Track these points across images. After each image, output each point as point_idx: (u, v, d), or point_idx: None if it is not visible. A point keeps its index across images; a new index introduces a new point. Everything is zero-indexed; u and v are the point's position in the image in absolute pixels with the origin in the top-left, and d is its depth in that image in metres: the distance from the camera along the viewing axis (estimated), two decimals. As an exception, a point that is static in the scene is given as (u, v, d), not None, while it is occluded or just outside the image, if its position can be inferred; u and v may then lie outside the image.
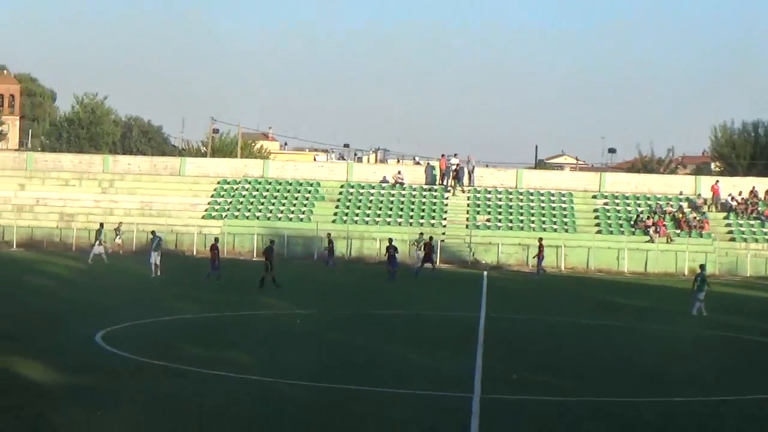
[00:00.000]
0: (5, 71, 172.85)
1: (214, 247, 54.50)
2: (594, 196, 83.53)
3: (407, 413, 22.29)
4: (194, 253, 74.00)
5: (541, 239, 67.31)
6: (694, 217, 79.14)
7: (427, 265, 62.36)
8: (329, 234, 70.75)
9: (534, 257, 67.29)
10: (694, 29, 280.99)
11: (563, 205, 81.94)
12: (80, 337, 31.93)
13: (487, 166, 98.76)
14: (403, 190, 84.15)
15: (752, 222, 79.85)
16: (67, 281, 51.36)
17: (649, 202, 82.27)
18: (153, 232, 59.83)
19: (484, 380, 26.58)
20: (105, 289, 48.14)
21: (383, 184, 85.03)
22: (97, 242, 64.88)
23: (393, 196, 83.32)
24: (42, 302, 40.93)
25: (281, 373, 26.72)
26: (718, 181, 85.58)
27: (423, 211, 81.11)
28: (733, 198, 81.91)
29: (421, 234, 69.35)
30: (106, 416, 20.88)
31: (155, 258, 55.77)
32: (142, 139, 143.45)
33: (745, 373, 30.66)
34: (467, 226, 78.76)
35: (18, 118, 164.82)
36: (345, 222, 78.76)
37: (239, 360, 28.91)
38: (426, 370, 28.50)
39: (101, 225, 67.70)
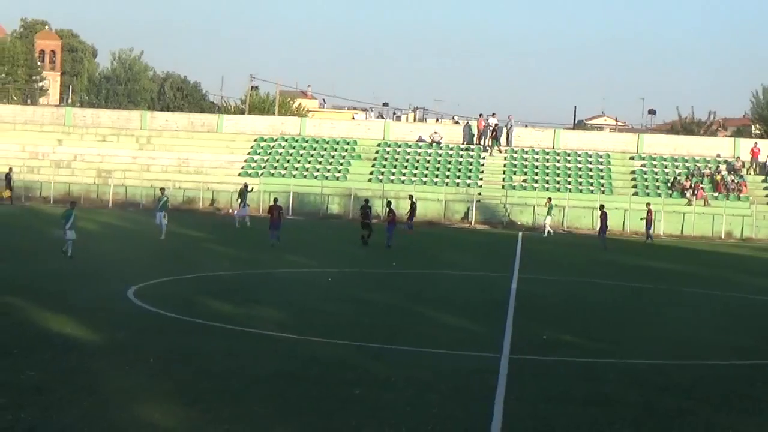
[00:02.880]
0: (47, 27, 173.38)
1: (274, 208, 52.01)
2: (632, 158, 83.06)
3: (433, 373, 22.23)
4: (230, 211, 74.09)
5: (648, 204, 66.71)
6: (732, 180, 78.54)
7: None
8: (411, 196, 67.88)
9: (641, 219, 66.34)
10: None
11: (600, 167, 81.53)
12: (112, 293, 32.05)
13: (525, 126, 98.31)
14: (440, 149, 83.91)
15: (791, 185, 79.20)
16: (102, 237, 51.55)
17: (687, 165, 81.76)
18: (162, 189, 57.37)
19: (513, 341, 26.49)
20: (138, 246, 48.30)
21: (420, 143, 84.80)
22: (241, 204, 63.51)
23: (429, 155, 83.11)
24: (75, 257, 41.08)
25: (309, 330, 26.71)
26: (756, 143, 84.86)
27: (459, 170, 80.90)
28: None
29: (411, 196, 67.81)
30: (134, 371, 20.95)
31: (161, 218, 52.74)
32: (177, 95, 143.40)
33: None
34: (503, 187, 78.51)
35: (59, 74, 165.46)
36: (381, 181, 78.67)
37: (268, 317, 28.94)
38: (454, 330, 28.44)
39: (245, 185, 65.89)
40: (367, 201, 56.80)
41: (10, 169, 75.38)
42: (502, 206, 75.62)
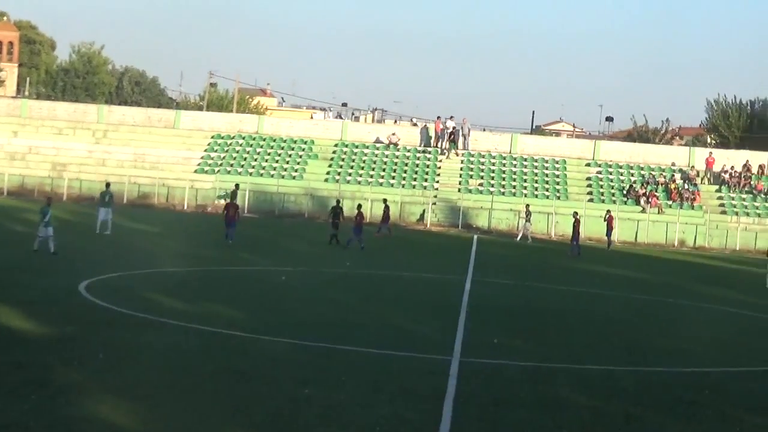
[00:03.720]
0: (5, 18, 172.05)
1: (230, 206, 51.46)
2: (588, 164, 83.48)
3: (384, 373, 22.24)
4: (185, 208, 73.87)
5: (609, 211, 67.12)
6: (687, 189, 79.10)
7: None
8: (385, 200, 66.17)
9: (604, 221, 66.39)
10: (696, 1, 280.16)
11: (556, 172, 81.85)
12: (63, 287, 31.86)
13: (483, 130, 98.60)
14: (397, 150, 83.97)
15: (744, 195, 79.87)
16: (55, 231, 51.21)
17: (642, 172, 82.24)
18: (107, 184, 55.01)
19: (464, 343, 26.51)
20: (91, 241, 48.04)
21: (377, 144, 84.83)
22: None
23: (387, 156, 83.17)
24: (26, 252, 40.82)
25: (260, 328, 26.66)
26: (711, 153, 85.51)
27: (416, 172, 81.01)
28: (726, 171, 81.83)
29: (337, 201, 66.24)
30: (82, 365, 20.82)
31: (105, 214, 51.40)
32: (135, 89, 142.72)
33: (730, 347, 30.63)
34: (459, 190, 78.65)
35: (16, 65, 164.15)
36: (337, 181, 78.64)
37: (219, 314, 28.86)
38: (406, 331, 28.45)
39: (237, 186, 65.45)
40: (338, 202, 57.21)
41: None
42: (457, 209, 75.74)
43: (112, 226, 51.38)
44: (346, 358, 23.85)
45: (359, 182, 78.96)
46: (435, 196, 77.12)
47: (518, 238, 66.61)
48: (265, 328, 26.93)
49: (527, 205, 68.72)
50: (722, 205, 78.87)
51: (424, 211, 75.19)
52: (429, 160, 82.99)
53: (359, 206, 56.04)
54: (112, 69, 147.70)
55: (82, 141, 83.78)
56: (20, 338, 23.34)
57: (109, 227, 50.98)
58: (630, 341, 29.90)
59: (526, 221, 67.49)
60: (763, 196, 79.56)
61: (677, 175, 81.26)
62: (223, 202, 66.31)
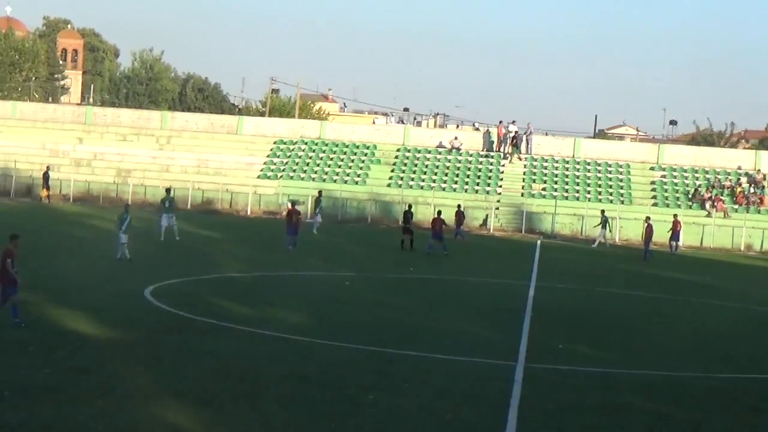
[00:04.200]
0: (69, 26, 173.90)
1: (292, 212, 51.59)
2: (652, 168, 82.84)
3: (448, 379, 22.23)
4: (248, 213, 74.22)
5: (675, 215, 67.01)
6: (753, 192, 78.33)
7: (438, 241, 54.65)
8: (459, 205, 66.24)
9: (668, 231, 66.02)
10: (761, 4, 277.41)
11: (620, 176, 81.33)
12: (129, 292, 32.14)
13: (546, 134, 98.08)
14: (460, 155, 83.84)
15: (812, 199, 78.89)
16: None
17: (707, 176, 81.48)
18: (168, 189, 54.49)
19: (529, 349, 26.46)
20: (156, 246, 48.37)
21: (440, 149, 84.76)
22: (317, 211, 64.14)
23: (449, 161, 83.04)
24: (94, 257, 41.23)
25: (325, 334, 26.74)
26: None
27: (479, 177, 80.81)
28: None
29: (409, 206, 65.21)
30: (148, 370, 20.99)
31: (168, 220, 50.94)
32: (198, 96, 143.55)
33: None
34: (522, 194, 78.40)
35: (80, 73, 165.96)
36: (400, 186, 78.65)
37: (284, 319, 28.97)
38: (470, 336, 28.43)
39: (320, 193, 66.20)
40: (409, 207, 57.34)
41: (48, 168, 75.45)
42: (520, 214, 75.45)
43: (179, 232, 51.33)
44: (411, 364, 23.87)
45: (422, 187, 78.88)
46: (498, 201, 76.90)
47: (595, 244, 66.10)
48: (330, 333, 27.00)
49: (603, 211, 68.09)
50: (789, 208, 77.99)
51: (486, 216, 74.98)
52: (492, 164, 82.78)
53: (439, 212, 55.52)
54: (175, 76, 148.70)
55: (146, 147, 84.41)
56: (87, 343, 23.58)
57: (176, 233, 50.86)
58: (698, 346, 29.69)
59: (602, 227, 66.93)
60: (831, 199, 78.59)
61: (743, 179, 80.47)
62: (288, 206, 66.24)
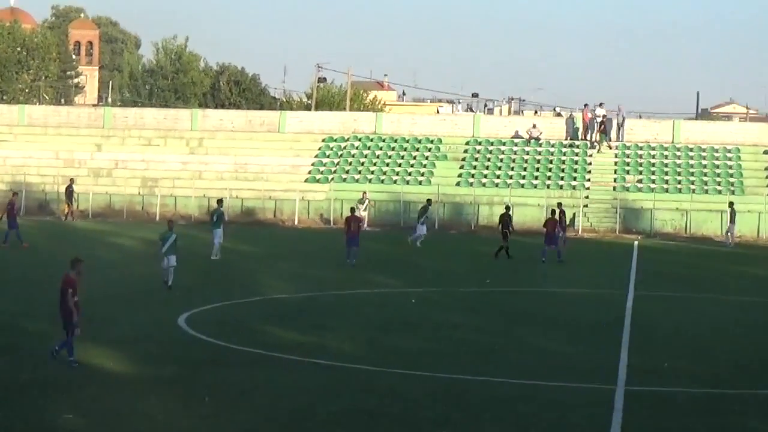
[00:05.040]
0: (82, 15, 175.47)
1: (352, 219, 51.67)
2: (766, 152, 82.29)
3: (534, 408, 22.25)
4: (295, 223, 74.53)
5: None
6: None
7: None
8: (560, 204, 62.52)
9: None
10: None
11: (729, 162, 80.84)
12: (161, 320, 32.42)
13: (639, 117, 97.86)
14: (540, 146, 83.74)
15: None
16: (149, 257, 52.07)
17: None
18: (219, 201, 55.59)
19: (629, 370, 26.44)
20: (191, 266, 48.66)
21: (516, 140, 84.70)
22: (421, 221, 62.40)
23: (527, 153, 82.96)
24: (121, 281, 41.58)
25: (388, 361, 26.84)
26: None
27: (563, 170, 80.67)
28: None
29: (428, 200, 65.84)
30: (186, 412, 21.18)
31: (220, 236, 51.21)
32: (233, 89, 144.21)
33: None
34: (615, 188, 78.15)
35: (96, 68, 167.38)
36: (471, 184, 78.67)
37: (340, 346, 29.11)
38: (559, 357, 28.42)
39: (429, 201, 65.51)
40: (507, 208, 57.64)
41: (72, 181, 75.91)
42: (613, 211, 75.22)
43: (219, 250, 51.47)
44: (489, 392, 23.90)
45: (496, 184, 78.85)
46: (587, 197, 76.68)
47: (730, 243, 66.08)
48: (394, 360, 27.09)
49: (731, 203, 67.80)
50: None
51: (574, 214, 74.69)
52: (577, 155, 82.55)
53: (553, 212, 56.70)
54: (205, 67, 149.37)
55: (175, 152, 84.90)
56: (115, 381, 23.82)
57: (215, 252, 51.05)
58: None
59: (731, 222, 66.79)
60: None
61: None
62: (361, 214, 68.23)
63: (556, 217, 55.44)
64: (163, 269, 39.95)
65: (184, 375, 24.77)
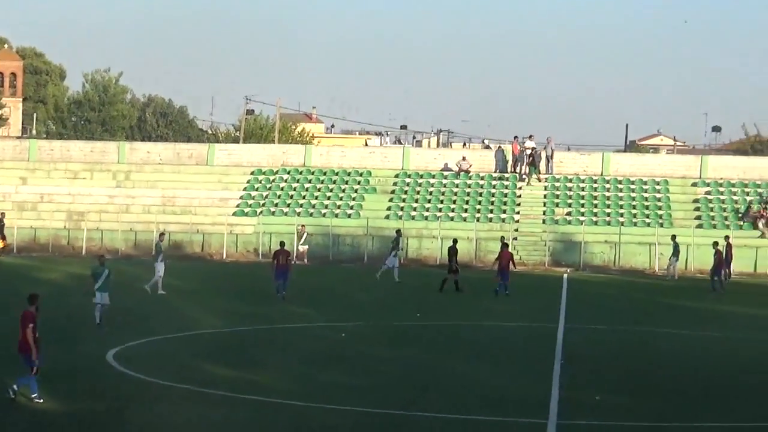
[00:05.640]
0: (6, 45, 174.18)
1: (280, 253, 51.34)
2: (694, 184, 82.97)
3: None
4: (224, 257, 74.21)
5: (727, 237, 66.86)
6: (815, 208, 78.38)
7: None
8: (503, 237, 63.51)
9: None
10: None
11: (657, 195, 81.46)
12: (88, 356, 32.13)
13: (568, 149, 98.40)
14: (469, 179, 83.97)
15: None
16: (74, 291, 51.66)
17: (760, 191, 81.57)
18: (161, 235, 56.60)
19: (561, 402, 26.48)
20: (119, 300, 48.29)
21: (445, 173, 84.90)
22: (393, 253, 61.35)
23: (457, 186, 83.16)
24: (48, 316, 41.12)
25: (319, 396, 26.74)
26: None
27: (492, 203, 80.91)
28: None
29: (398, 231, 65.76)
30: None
31: (162, 269, 51.48)
32: (160, 121, 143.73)
33: None
34: (544, 221, 78.48)
35: (20, 100, 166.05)
36: (400, 217, 78.67)
37: (272, 381, 28.98)
38: (491, 391, 28.43)
39: (399, 232, 64.77)
40: (455, 242, 57.55)
41: (3, 214, 75.02)
42: (542, 244, 75.50)
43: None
44: (422, 427, 23.86)
45: (426, 217, 78.91)
46: (516, 230, 76.92)
47: (667, 277, 66.55)
48: (324, 395, 27.00)
49: (674, 236, 68.21)
50: None
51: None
52: (507, 188, 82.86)
53: (505, 244, 57.75)
54: (132, 99, 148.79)
55: (102, 185, 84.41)
56: (42, 420, 23.53)
57: (159, 284, 51.00)
58: (759, 392, 29.65)
59: (673, 255, 67.19)
60: None
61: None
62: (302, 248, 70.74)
63: (510, 250, 56.50)
64: (98, 305, 39.36)
65: (112, 411, 24.53)
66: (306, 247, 72.41)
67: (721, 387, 30.58)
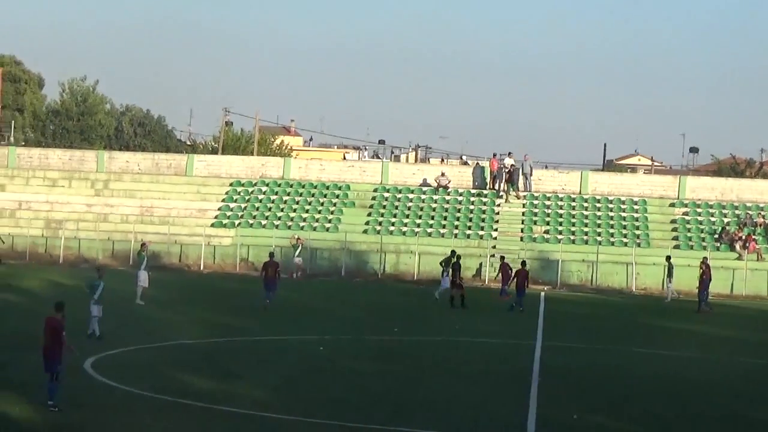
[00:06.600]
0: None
1: (270, 264, 51.79)
2: (672, 204, 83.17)
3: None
4: (201, 268, 74.09)
5: (705, 258, 66.46)
6: (791, 230, 78.72)
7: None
8: (503, 257, 65.30)
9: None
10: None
11: (635, 215, 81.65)
12: (68, 365, 32.00)
13: (546, 167, 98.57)
14: (447, 194, 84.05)
15: None
16: (51, 299, 51.51)
17: (737, 212, 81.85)
18: (143, 244, 55.95)
19: (538, 421, 26.51)
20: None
21: (424, 188, 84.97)
22: (445, 274, 58.61)
23: (435, 202, 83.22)
24: (21, 325, 41.06)
25: (296, 409, 26.74)
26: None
27: (470, 220, 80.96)
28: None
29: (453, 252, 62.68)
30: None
31: (145, 279, 51.55)
32: (138, 131, 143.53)
33: None
34: (522, 239, 78.56)
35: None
36: (378, 232, 78.69)
37: (250, 393, 28.95)
38: (468, 408, 28.43)
39: (453, 253, 60.79)
40: (458, 257, 58.12)
41: None
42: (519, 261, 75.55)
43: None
44: (400, 442, 23.88)
45: (404, 233, 78.93)
46: (493, 247, 76.97)
47: (668, 298, 66.46)
48: (302, 408, 27.00)
49: (668, 257, 68.22)
50: (833, 248, 78.40)
51: (480, 264, 75.05)
52: (485, 204, 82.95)
53: (523, 262, 59.15)
54: (111, 109, 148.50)
55: (80, 193, 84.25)
56: (20, 428, 23.47)
57: (140, 294, 51.06)
58: (733, 411, 29.74)
59: (668, 276, 67.17)
60: None
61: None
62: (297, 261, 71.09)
63: (527, 268, 58.23)
64: (94, 317, 39.09)
65: (89, 421, 24.48)
66: (300, 259, 72.15)
67: (697, 407, 30.68)
